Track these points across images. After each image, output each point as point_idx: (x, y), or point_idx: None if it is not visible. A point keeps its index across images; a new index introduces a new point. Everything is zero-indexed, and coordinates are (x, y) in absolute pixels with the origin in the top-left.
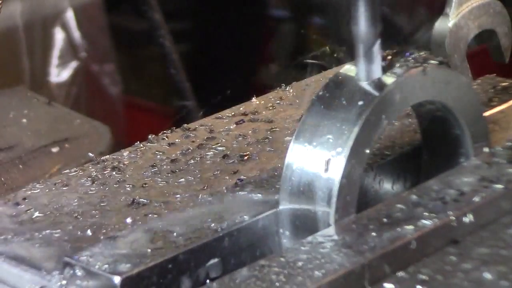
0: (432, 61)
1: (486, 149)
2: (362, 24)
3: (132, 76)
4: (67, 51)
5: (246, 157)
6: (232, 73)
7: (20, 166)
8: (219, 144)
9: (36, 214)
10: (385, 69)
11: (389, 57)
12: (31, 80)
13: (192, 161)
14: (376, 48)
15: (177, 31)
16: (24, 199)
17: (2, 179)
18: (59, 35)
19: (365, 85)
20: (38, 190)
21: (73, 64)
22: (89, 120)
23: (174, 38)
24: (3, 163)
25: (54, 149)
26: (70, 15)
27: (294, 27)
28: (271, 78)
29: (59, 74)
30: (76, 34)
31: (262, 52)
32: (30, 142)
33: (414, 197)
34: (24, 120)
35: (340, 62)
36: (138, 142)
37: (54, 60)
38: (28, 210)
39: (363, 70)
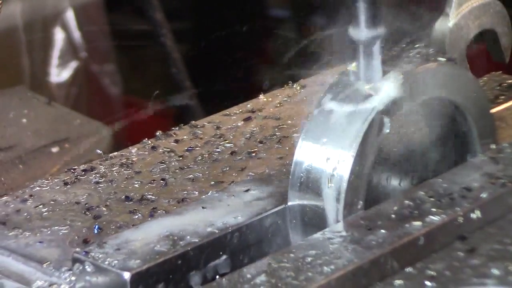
0: (440, 58)
1: (493, 146)
2: (362, 25)
3: (132, 76)
4: (67, 51)
5: (254, 154)
6: (233, 72)
7: (20, 166)
8: (227, 141)
9: (45, 210)
10: (392, 67)
11: (396, 55)
12: (31, 80)
13: (200, 158)
14: (377, 48)
15: (178, 30)
16: (32, 195)
17: (2, 179)
18: (59, 35)
19: (370, 83)
20: (47, 187)
21: (73, 64)
22: (89, 120)
23: (175, 37)
24: (3, 163)
25: (54, 149)
26: (70, 15)
27: (295, 26)
28: (273, 77)
29: (59, 74)
30: (76, 34)
31: (264, 51)
32: (30, 142)
33: (421, 193)
34: (24, 120)
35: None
36: (146, 139)
37: (54, 60)
38: (37, 206)
39: (364, 70)
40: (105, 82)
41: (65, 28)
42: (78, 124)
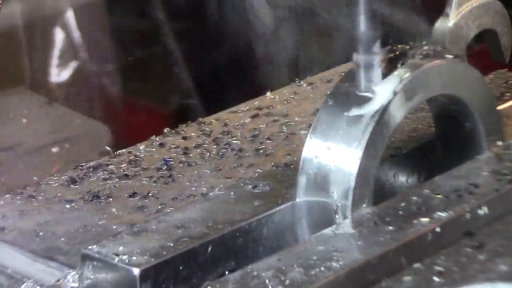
0: (447, 55)
1: (499, 143)
2: (362, 25)
3: (132, 76)
4: (67, 51)
5: (261, 151)
6: (235, 72)
7: (20, 166)
8: (234, 138)
9: (51, 207)
10: (398, 65)
11: (401, 52)
12: (31, 80)
13: (207, 155)
14: (376, 48)
15: (179, 30)
16: (39, 192)
17: (2, 179)
18: (59, 35)
19: (374, 81)
20: (55, 184)
21: (73, 64)
22: (89, 120)
23: (176, 36)
24: (3, 163)
25: (54, 149)
26: (70, 15)
27: (296, 26)
28: (275, 76)
29: (59, 74)
30: (76, 34)
31: (265, 51)
32: (30, 142)
33: (429, 190)
34: (24, 120)
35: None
36: (154, 136)
37: (54, 60)
38: (43, 203)
39: (364, 70)
40: (105, 82)
41: (65, 28)
42: (78, 124)
